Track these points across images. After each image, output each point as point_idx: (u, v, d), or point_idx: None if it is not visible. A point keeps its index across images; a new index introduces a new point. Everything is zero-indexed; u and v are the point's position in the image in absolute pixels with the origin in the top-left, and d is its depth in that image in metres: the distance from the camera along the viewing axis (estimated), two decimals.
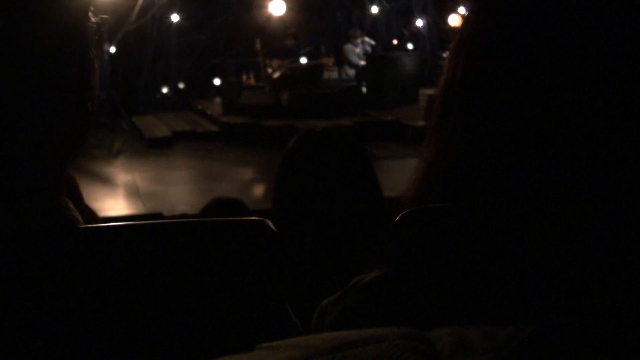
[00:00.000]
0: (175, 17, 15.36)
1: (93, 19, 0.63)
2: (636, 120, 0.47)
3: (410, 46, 17.31)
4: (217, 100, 13.83)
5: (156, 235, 0.54)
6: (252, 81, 12.93)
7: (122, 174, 8.54)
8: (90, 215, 2.06)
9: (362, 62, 13.41)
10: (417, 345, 0.32)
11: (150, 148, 10.25)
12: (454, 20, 14.44)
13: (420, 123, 9.73)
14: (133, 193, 7.33)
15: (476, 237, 0.49)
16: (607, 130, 0.47)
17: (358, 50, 13.71)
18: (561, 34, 0.50)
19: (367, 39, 14.19)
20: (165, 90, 15.43)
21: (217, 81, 15.61)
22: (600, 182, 0.47)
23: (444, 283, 0.50)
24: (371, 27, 16.83)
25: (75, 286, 0.51)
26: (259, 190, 7.41)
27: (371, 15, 17.19)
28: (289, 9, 13.33)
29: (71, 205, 0.61)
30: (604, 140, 0.47)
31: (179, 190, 7.65)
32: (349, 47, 13.80)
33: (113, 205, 6.76)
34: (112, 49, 13.35)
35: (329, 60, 13.82)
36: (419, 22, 17.11)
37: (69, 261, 0.52)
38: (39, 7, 0.56)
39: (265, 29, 13.48)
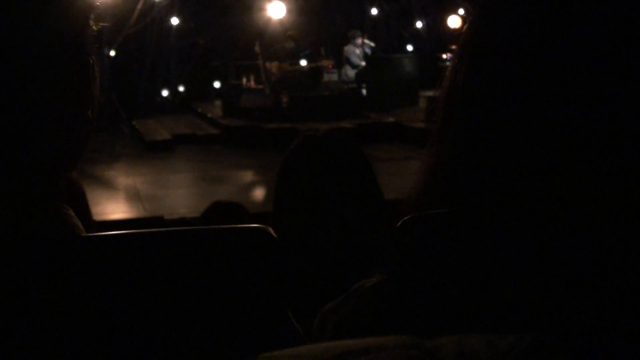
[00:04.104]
0: (175, 20, 15.37)
1: (93, 27, 0.63)
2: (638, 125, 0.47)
3: (409, 48, 17.31)
4: (217, 103, 13.83)
5: (156, 243, 0.54)
6: (252, 84, 12.93)
7: (122, 177, 8.54)
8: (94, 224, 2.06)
9: (363, 63, 13.41)
10: (418, 355, 0.32)
11: (150, 151, 10.26)
12: (454, 21, 14.44)
13: (421, 125, 9.73)
14: (133, 196, 7.33)
15: (478, 244, 0.49)
16: (610, 136, 0.47)
17: (358, 51, 13.71)
18: (564, 39, 0.50)
19: (366, 40, 14.19)
20: (165, 93, 15.43)
21: (217, 84, 15.62)
22: (603, 188, 0.47)
23: (445, 290, 0.50)
24: (371, 29, 16.83)
25: (74, 294, 0.51)
26: (259, 193, 7.41)
27: (371, 17, 17.20)
28: (288, 11, 13.34)
29: (71, 212, 0.61)
30: (607, 146, 0.47)
31: (180, 193, 7.65)
32: (349, 48, 13.80)
33: (114, 208, 6.76)
34: (112, 53, 13.36)
35: (329, 63, 13.81)
36: (419, 24, 17.12)
37: (67, 268, 0.52)
38: (39, 15, 0.56)
39: (264, 32, 13.49)
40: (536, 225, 0.47)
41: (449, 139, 0.58)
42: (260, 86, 12.65)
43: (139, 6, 12.58)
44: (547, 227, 0.47)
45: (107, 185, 7.98)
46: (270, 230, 0.55)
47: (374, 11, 17.02)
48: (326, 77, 13.09)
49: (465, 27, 0.60)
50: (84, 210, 1.60)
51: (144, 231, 0.54)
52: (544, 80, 0.50)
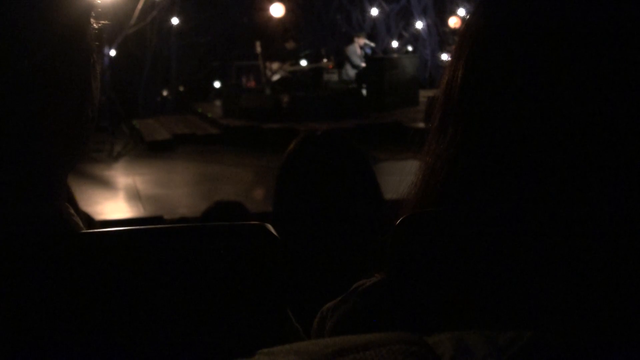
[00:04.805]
0: (175, 21, 15.37)
1: (94, 25, 0.63)
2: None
3: (410, 48, 17.31)
4: (217, 103, 13.84)
5: (156, 240, 0.54)
6: (252, 84, 12.93)
7: (122, 177, 8.55)
8: (87, 219, 2.06)
9: (363, 64, 13.43)
10: (418, 350, 0.33)
11: (150, 151, 10.26)
12: (454, 22, 14.46)
13: (421, 125, 9.74)
14: (133, 196, 7.33)
15: (476, 241, 0.49)
16: (609, 135, 0.47)
17: (360, 52, 13.73)
18: (562, 38, 0.50)
19: (367, 41, 14.20)
20: (165, 93, 15.43)
21: (217, 84, 15.62)
22: (600, 187, 0.47)
23: (444, 287, 0.50)
24: (371, 29, 16.83)
25: (75, 291, 0.51)
26: (259, 193, 7.41)
27: (371, 17, 17.21)
28: (288, 11, 13.34)
29: (72, 211, 0.61)
30: (606, 145, 0.47)
31: (180, 193, 7.65)
32: (350, 48, 13.82)
33: (114, 208, 6.76)
34: (112, 53, 13.36)
35: (329, 63, 13.83)
36: (419, 24, 17.12)
37: (70, 266, 0.52)
38: (40, 13, 0.56)
39: (265, 32, 13.49)
40: (534, 223, 0.47)
41: (446, 138, 0.58)
42: (260, 86, 12.66)
43: (139, 6, 12.57)
44: (545, 225, 0.47)
45: (107, 185, 7.98)
46: (270, 227, 0.55)
47: (375, 11, 17.02)
48: (326, 77, 13.10)
49: (462, 27, 0.61)
50: (75, 209, 1.60)
51: (143, 228, 0.54)
52: (541, 79, 0.50)
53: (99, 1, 0.64)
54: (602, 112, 0.48)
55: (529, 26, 0.52)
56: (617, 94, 0.47)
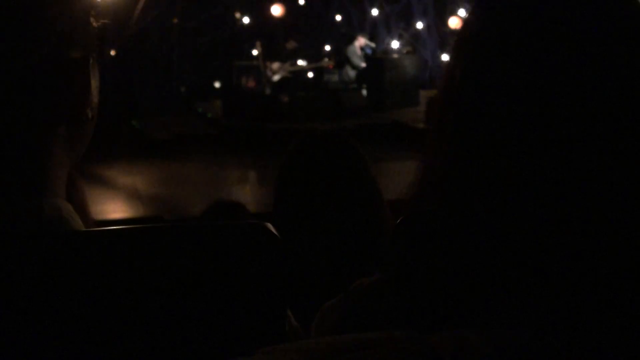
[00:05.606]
0: (175, 20, 15.37)
1: (94, 24, 0.63)
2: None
3: (410, 48, 17.31)
4: (217, 103, 13.82)
5: (155, 239, 0.54)
6: (252, 84, 12.93)
7: (122, 177, 8.54)
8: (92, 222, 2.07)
9: (363, 64, 13.44)
10: (418, 349, 0.33)
11: (150, 151, 10.25)
12: (454, 22, 14.46)
13: (421, 125, 9.74)
14: (133, 196, 7.33)
15: (476, 241, 0.49)
16: (607, 135, 0.47)
17: (360, 52, 13.74)
18: (561, 37, 0.50)
19: (367, 42, 14.21)
20: (165, 93, 15.41)
21: (217, 84, 15.61)
22: (598, 186, 0.47)
23: (444, 286, 0.50)
24: (371, 29, 16.83)
25: (74, 289, 0.51)
26: (259, 193, 7.41)
27: (371, 17, 17.20)
28: (289, 11, 13.35)
29: (71, 208, 0.61)
30: (604, 145, 0.47)
31: (179, 193, 7.64)
32: (351, 48, 13.82)
33: (113, 208, 6.76)
34: (113, 52, 13.36)
35: (329, 63, 13.83)
36: (419, 25, 17.10)
37: (68, 265, 0.52)
38: (39, 12, 0.56)
39: (265, 32, 13.50)
40: (533, 222, 0.47)
41: (446, 138, 0.58)
42: (260, 86, 12.66)
43: (140, 5, 12.57)
44: (544, 225, 0.47)
45: (107, 185, 7.98)
46: (270, 226, 0.55)
47: (375, 12, 17.02)
48: (326, 77, 13.10)
49: (461, 28, 0.61)
50: (83, 209, 1.61)
51: (142, 226, 0.54)
52: (539, 81, 0.50)
53: (99, 0, 0.64)
54: (599, 112, 0.48)
55: (527, 28, 0.52)
56: (615, 96, 0.48)
